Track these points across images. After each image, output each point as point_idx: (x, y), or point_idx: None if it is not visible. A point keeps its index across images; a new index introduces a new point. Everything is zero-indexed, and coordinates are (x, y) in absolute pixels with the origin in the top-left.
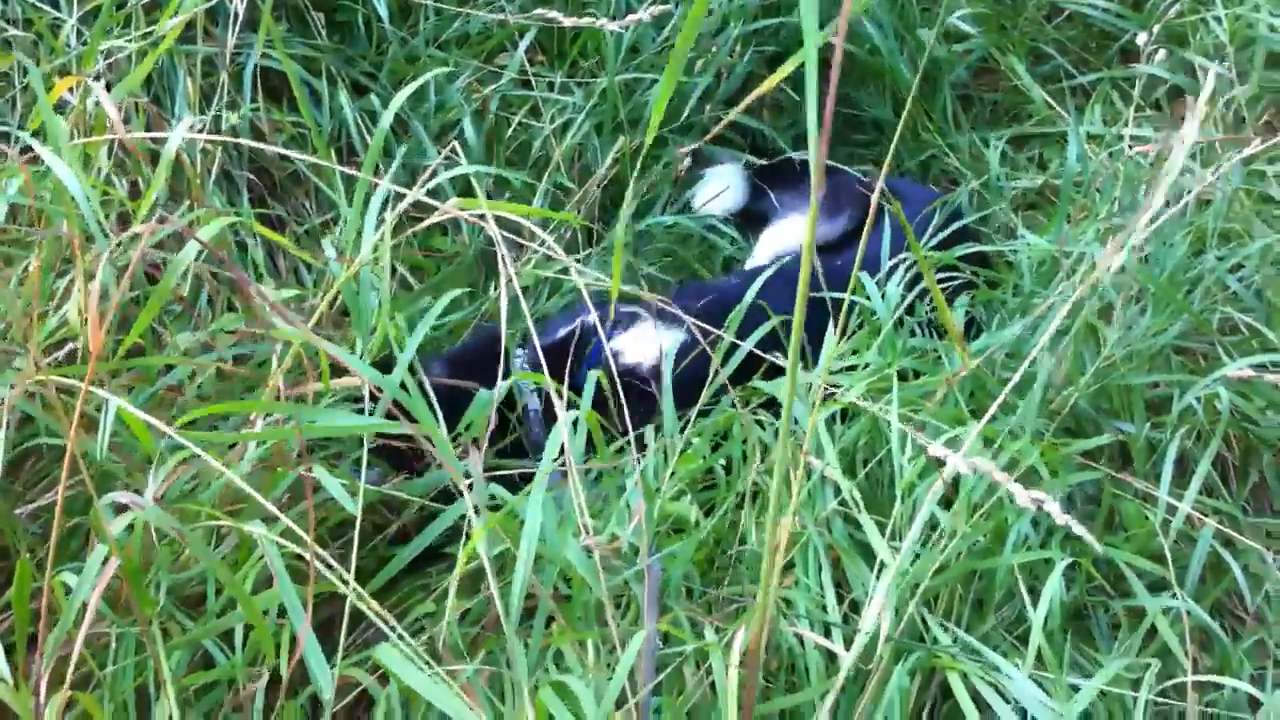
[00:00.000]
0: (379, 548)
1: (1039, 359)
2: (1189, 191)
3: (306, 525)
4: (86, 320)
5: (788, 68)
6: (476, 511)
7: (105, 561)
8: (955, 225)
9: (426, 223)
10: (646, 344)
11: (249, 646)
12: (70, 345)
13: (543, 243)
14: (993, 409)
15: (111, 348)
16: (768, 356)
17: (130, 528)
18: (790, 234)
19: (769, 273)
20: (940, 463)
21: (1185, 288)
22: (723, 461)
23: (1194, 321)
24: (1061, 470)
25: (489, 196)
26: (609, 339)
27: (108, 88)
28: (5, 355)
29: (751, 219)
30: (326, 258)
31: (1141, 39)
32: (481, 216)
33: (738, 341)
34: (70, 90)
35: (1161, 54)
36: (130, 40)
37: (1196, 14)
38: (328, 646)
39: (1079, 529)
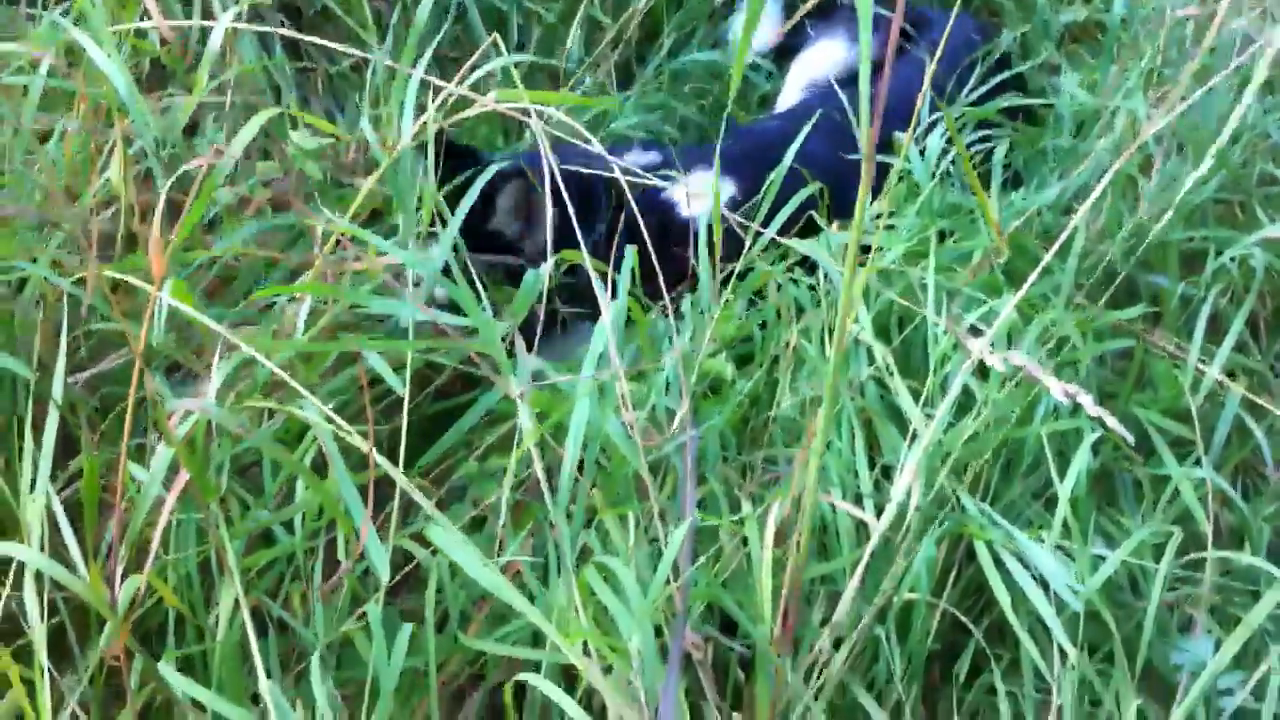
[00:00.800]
0: (423, 404)
1: (1077, 227)
2: (1235, 44)
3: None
4: (127, 181)
5: None
6: (521, 398)
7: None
8: (1000, 75)
9: (468, 113)
10: (702, 196)
11: (305, 522)
12: (114, 206)
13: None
14: (1028, 284)
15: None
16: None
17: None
18: (821, 61)
19: (810, 123)
20: (977, 331)
21: (1226, 140)
22: (759, 322)
23: (1232, 175)
24: (1091, 337)
25: (519, 29)
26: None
27: None
28: (49, 227)
29: (787, 52)
30: (367, 137)
31: None
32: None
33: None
34: None
35: None
36: None
37: None
38: (380, 518)
39: (1111, 421)
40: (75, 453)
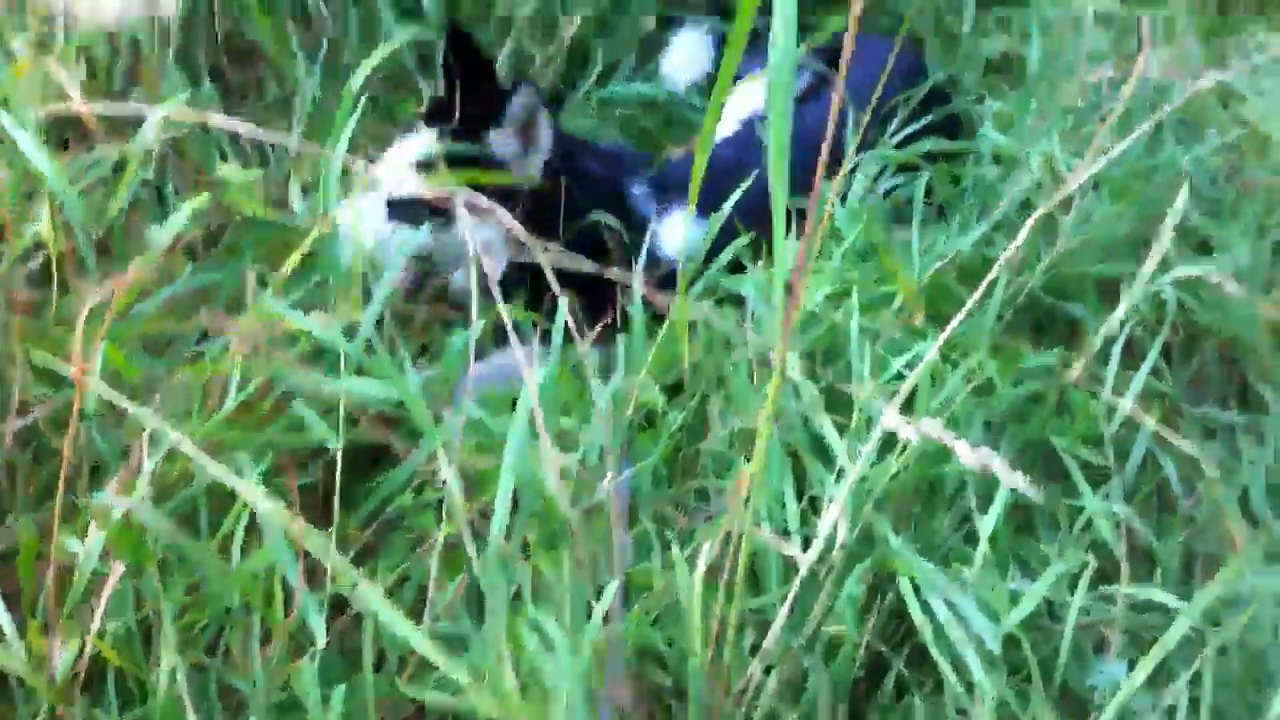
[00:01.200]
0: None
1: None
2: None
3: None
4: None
5: None
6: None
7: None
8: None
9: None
10: (679, 236)
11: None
12: (42, 254)
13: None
14: (948, 330)
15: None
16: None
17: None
18: (757, 94)
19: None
20: (900, 376)
21: (1141, 177)
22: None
23: (1147, 214)
24: (1005, 381)
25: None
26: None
27: None
28: None
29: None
30: (296, 214)
31: None
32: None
33: None
34: None
35: None
36: None
37: None
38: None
39: (1025, 488)
40: (7, 509)
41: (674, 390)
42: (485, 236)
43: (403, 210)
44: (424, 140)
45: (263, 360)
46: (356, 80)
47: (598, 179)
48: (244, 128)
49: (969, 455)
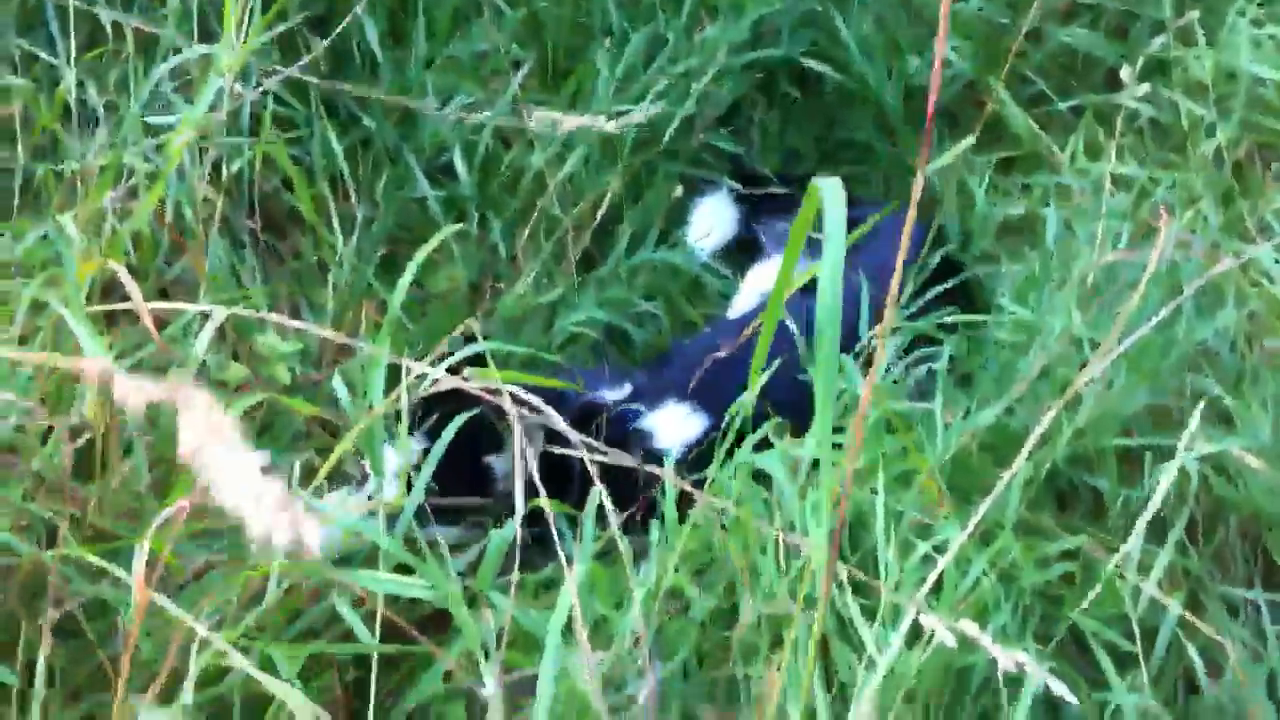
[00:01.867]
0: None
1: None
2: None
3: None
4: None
5: None
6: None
7: None
8: (936, 289)
9: (439, 388)
10: (676, 427)
11: None
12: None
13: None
14: (978, 515)
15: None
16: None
17: None
18: (775, 274)
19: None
20: (927, 559)
21: (1159, 351)
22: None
23: (1166, 387)
24: (1028, 565)
25: (479, 221)
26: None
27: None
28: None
29: (743, 247)
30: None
31: (1125, 73)
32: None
33: None
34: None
35: (1145, 87)
36: (136, 155)
37: (1179, 50)
38: None
39: (1059, 688)
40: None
41: (702, 570)
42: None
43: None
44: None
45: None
46: (404, 281)
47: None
48: (296, 324)
49: (1004, 658)
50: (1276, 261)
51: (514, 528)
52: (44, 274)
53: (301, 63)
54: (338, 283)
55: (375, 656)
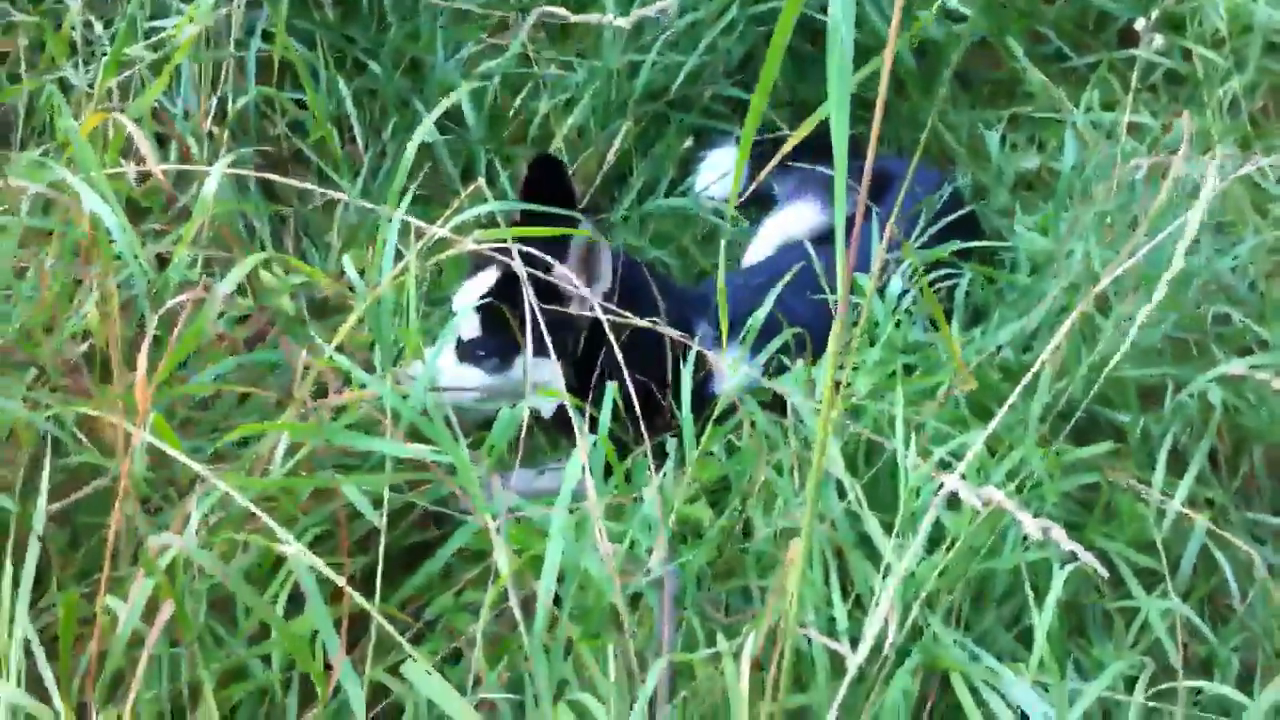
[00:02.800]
0: (401, 537)
1: (1041, 368)
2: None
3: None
4: (104, 317)
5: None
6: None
7: (155, 596)
8: (954, 215)
9: (450, 252)
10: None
11: (281, 656)
12: (89, 341)
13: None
14: (996, 419)
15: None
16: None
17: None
18: (794, 222)
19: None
20: (945, 465)
21: (1179, 281)
22: (736, 467)
23: (1187, 316)
24: (1059, 476)
25: (488, 168)
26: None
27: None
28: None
29: (752, 199)
30: (349, 281)
31: (1140, 24)
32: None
33: None
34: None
35: (1159, 39)
36: (143, 48)
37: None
38: (357, 651)
39: (1084, 554)
40: (45, 585)
41: (718, 493)
42: (543, 375)
43: (469, 350)
44: (488, 278)
45: (314, 424)
46: (413, 142)
47: (666, 314)
48: (298, 183)
49: (1030, 523)
50: None
51: (523, 409)
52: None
53: None
54: (342, 225)
55: (385, 522)
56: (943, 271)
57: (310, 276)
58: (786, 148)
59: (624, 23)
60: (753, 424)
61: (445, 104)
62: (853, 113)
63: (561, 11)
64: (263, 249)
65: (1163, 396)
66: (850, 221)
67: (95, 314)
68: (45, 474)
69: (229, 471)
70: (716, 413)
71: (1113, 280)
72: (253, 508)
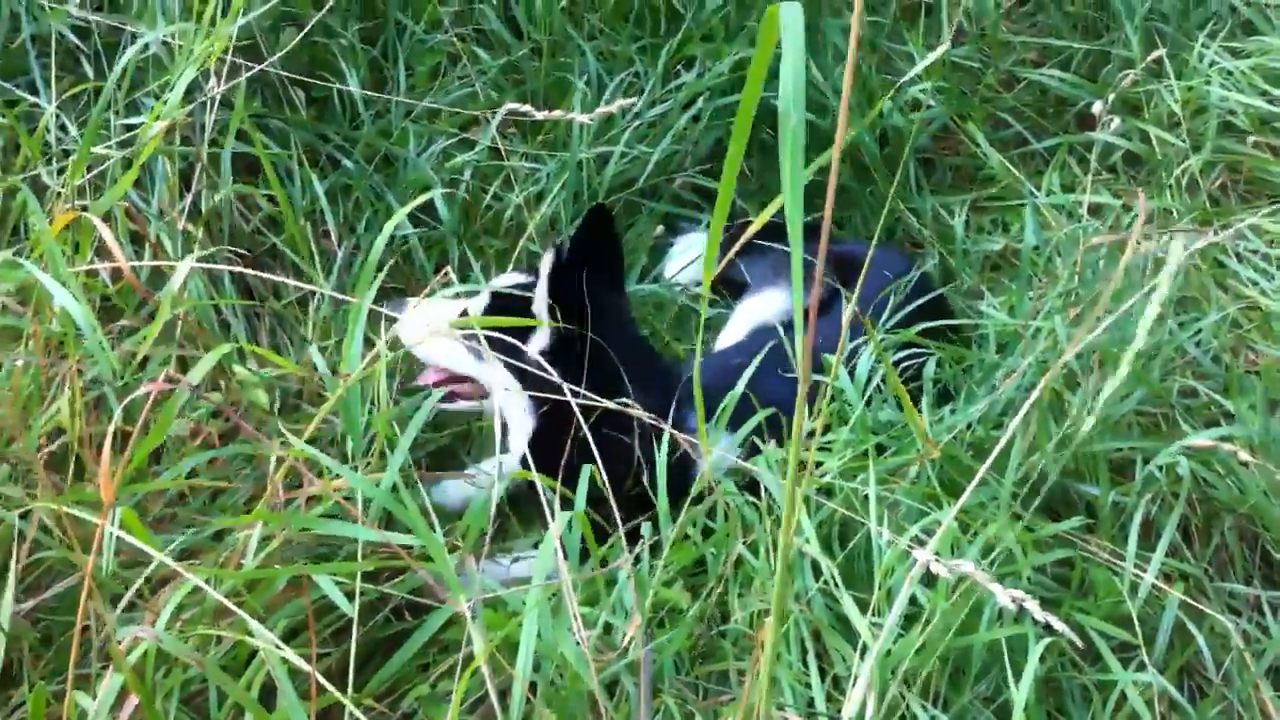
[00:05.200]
0: (375, 630)
1: (1014, 437)
2: (1147, 266)
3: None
4: (76, 413)
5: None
6: (472, 616)
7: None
8: (923, 299)
9: (419, 340)
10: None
11: None
12: (62, 438)
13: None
14: (967, 493)
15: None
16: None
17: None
18: (766, 307)
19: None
20: (920, 542)
21: (1145, 356)
22: (712, 550)
23: (1153, 390)
24: (1032, 550)
25: (460, 260)
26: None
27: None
28: None
29: (723, 284)
30: (319, 371)
31: (1097, 108)
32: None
33: None
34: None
35: (1116, 122)
36: (111, 147)
37: (1150, 84)
38: None
39: (1058, 625)
40: (18, 683)
41: (697, 575)
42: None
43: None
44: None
45: (286, 513)
46: (384, 233)
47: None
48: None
49: (1003, 595)
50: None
51: (499, 490)
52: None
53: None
54: (316, 319)
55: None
56: (912, 351)
57: (282, 368)
58: (747, 236)
59: (587, 119)
60: (728, 506)
61: (416, 201)
62: (816, 199)
63: (528, 108)
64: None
65: (1134, 470)
66: (823, 306)
67: (67, 411)
68: (12, 570)
69: (200, 566)
70: (691, 495)
71: (1079, 358)
72: (224, 601)
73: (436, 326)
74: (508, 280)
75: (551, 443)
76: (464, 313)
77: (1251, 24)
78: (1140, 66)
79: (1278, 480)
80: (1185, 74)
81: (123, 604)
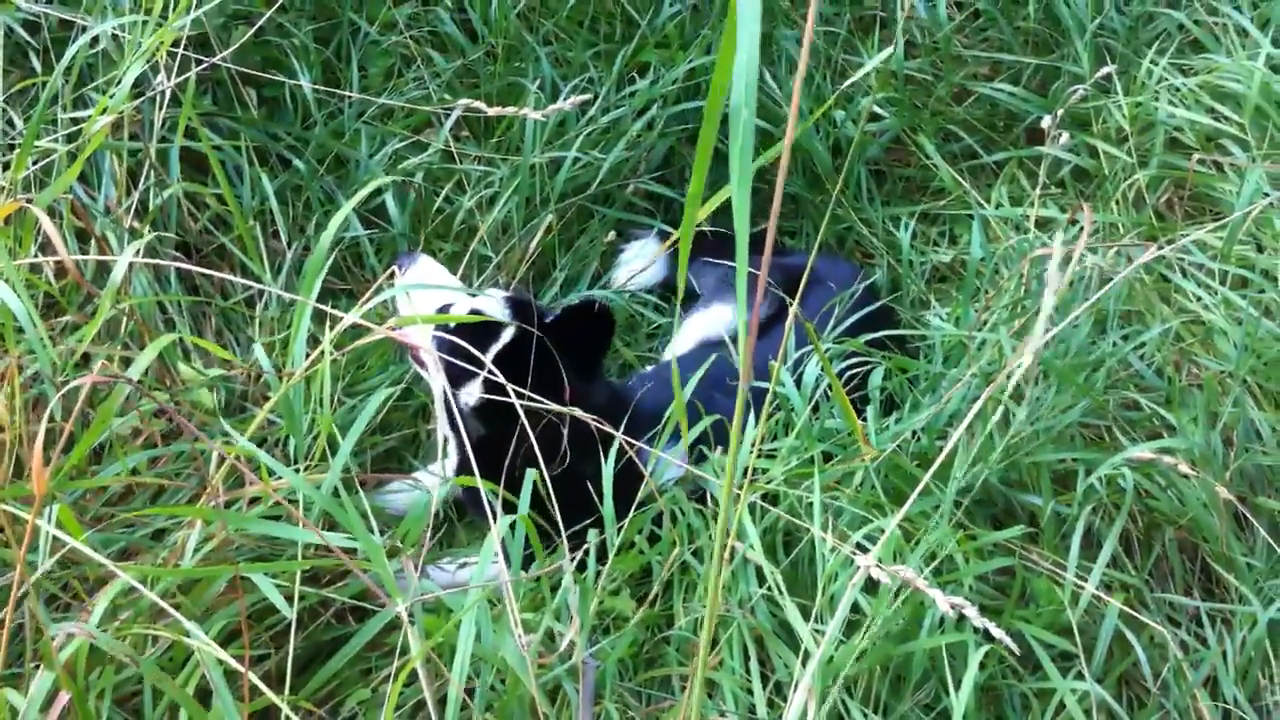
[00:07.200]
0: (316, 633)
1: (957, 446)
2: (1091, 278)
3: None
4: (15, 411)
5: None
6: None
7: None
8: (869, 309)
9: (364, 341)
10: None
11: None
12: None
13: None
14: (910, 501)
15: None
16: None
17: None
18: (714, 322)
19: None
20: (863, 549)
21: (1088, 369)
22: (658, 556)
23: (1096, 402)
24: (974, 559)
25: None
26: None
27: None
28: None
29: (671, 288)
30: (262, 368)
31: (1046, 122)
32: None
33: None
34: None
35: (1065, 137)
36: (57, 141)
37: (1099, 100)
38: None
39: (997, 632)
40: None
41: (643, 582)
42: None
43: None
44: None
45: (224, 510)
46: (331, 226)
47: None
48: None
49: (943, 601)
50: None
51: (440, 495)
52: None
53: None
54: (263, 318)
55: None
56: (858, 360)
57: (226, 363)
58: (687, 229)
59: (540, 115)
60: (675, 513)
61: (366, 190)
62: (764, 207)
63: (480, 104)
64: (183, 344)
65: (1076, 481)
66: (770, 323)
67: (5, 407)
68: None
69: (137, 565)
70: (636, 501)
71: (1025, 368)
72: (158, 600)
73: (419, 310)
74: (486, 304)
75: (493, 448)
76: (445, 308)
77: (1199, 42)
78: (1090, 82)
79: (1217, 493)
80: (1134, 90)
81: (59, 603)
